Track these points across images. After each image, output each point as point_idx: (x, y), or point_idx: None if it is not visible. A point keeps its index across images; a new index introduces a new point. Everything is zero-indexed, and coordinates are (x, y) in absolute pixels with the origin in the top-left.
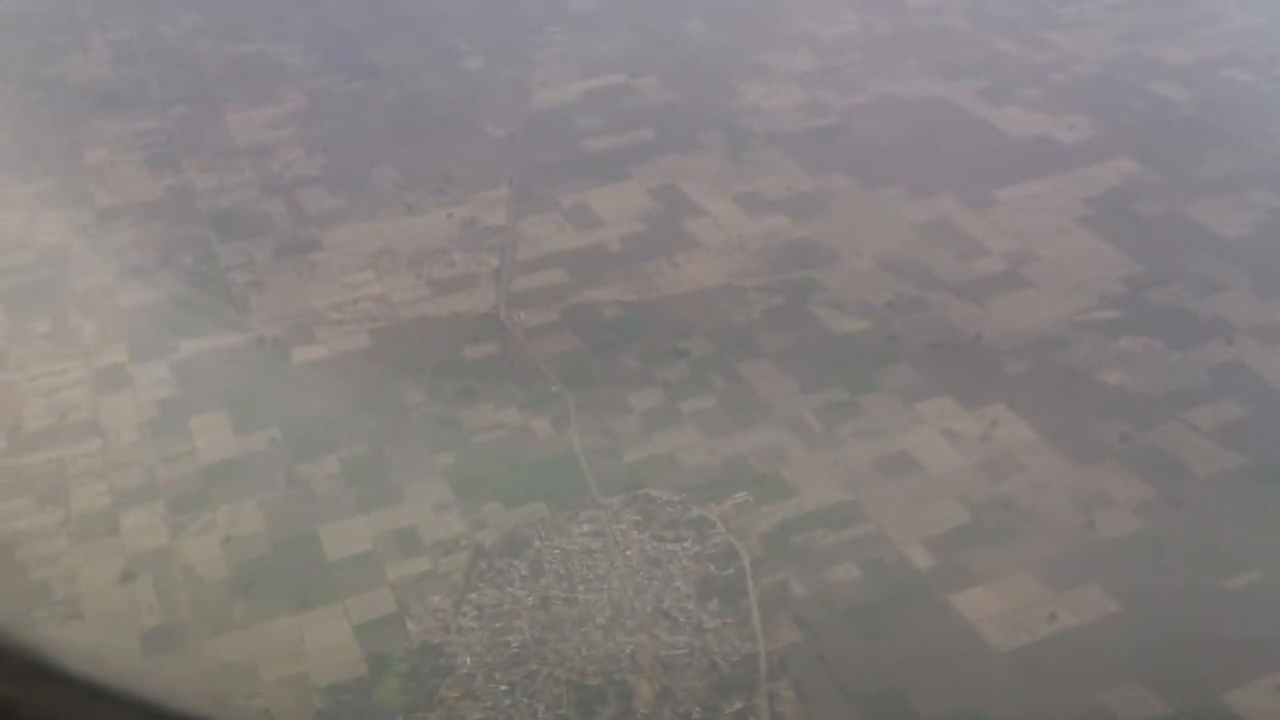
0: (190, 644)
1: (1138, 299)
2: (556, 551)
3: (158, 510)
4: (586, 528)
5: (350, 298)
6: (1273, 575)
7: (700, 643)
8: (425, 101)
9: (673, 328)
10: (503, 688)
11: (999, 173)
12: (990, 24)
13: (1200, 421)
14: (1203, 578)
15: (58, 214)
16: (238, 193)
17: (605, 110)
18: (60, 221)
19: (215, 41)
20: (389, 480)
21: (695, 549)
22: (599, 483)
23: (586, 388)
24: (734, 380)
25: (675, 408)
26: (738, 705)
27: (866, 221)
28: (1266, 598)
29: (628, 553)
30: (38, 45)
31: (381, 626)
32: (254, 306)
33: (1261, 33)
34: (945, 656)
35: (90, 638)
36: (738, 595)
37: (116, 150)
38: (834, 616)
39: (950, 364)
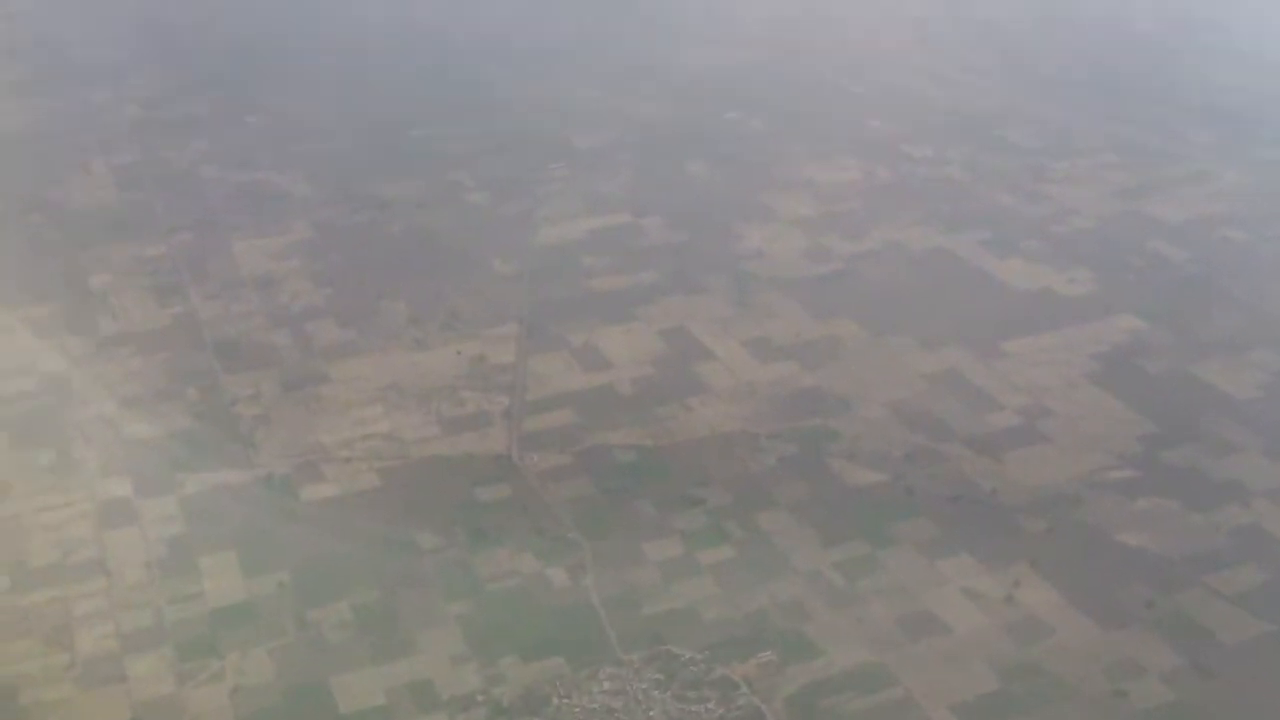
0: None
1: (1152, 459)
2: (577, 710)
3: (165, 656)
4: (607, 685)
5: (359, 434)
6: None
7: None
8: (432, 235)
9: (688, 474)
10: None
11: (1005, 325)
12: (988, 176)
13: (1223, 586)
14: None
15: (61, 341)
16: (244, 322)
17: (611, 249)
18: (63, 348)
19: (221, 169)
20: (402, 628)
21: (719, 711)
22: (618, 636)
23: (602, 535)
24: (752, 531)
25: (694, 558)
26: None
27: (876, 370)
28: None
29: (650, 714)
30: (41, 168)
31: None
32: (261, 441)
33: (1252, 192)
34: None
35: None
36: None
37: (121, 276)
38: None
39: (968, 519)
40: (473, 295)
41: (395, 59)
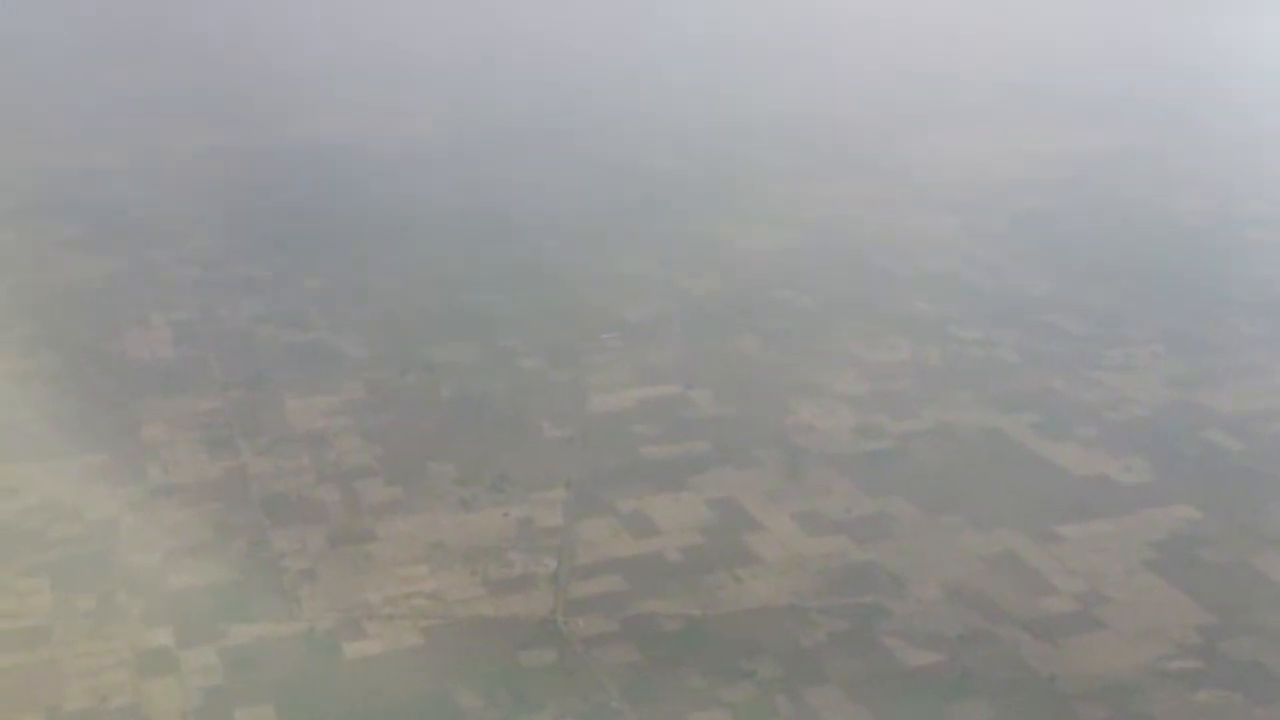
0: None
1: (1212, 650)
2: None
3: None
4: None
5: (404, 592)
6: None
7: None
8: (482, 399)
9: (736, 645)
10: None
11: (1060, 509)
12: (1040, 360)
13: None
14: None
15: (110, 488)
16: (293, 478)
17: (661, 419)
18: (112, 496)
19: (275, 328)
20: None
21: None
22: None
23: (648, 704)
24: (802, 706)
25: None
26: None
27: (930, 549)
28: None
29: None
30: (99, 321)
31: None
32: (305, 596)
33: None
34: None
35: None
36: None
37: (173, 428)
38: None
39: (1026, 705)
40: (522, 459)
41: (452, 227)
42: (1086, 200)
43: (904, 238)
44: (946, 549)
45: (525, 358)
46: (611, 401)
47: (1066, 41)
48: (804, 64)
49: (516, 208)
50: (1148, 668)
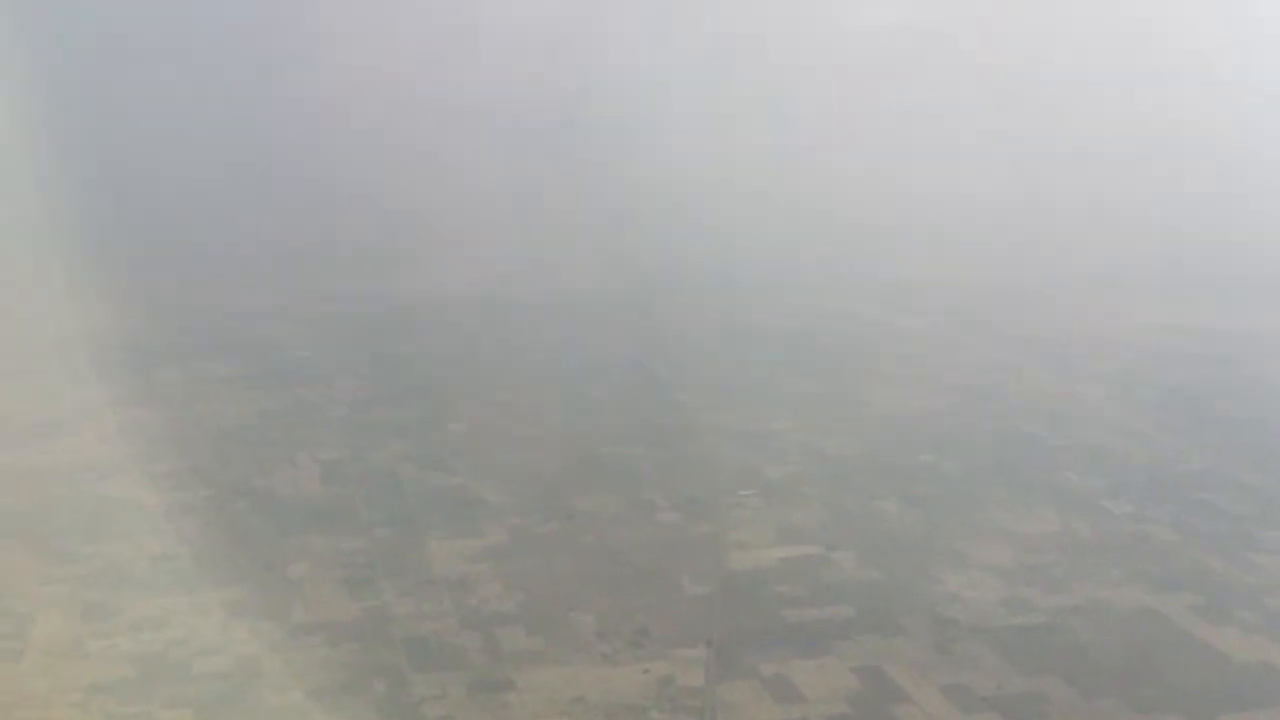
0: None
1: None
2: None
3: None
4: None
5: None
6: None
7: None
8: (622, 551)
9: None
10: None
11: (1223, 697)
12: (1195, 538)
13: None
14: None
15: (254, 624)
16: (435, 622)
17: (803, 580)
18: (256, 632)
19: (420, 471)
20: None
21: None
22: None
23: None
24: None
25: None
26: None
27: None
28: None
29: None
30: (251, 457)
31: None
32: None
33: None
34: None
35: None
36: None
37: (318, 567)
38: None
39: None
40: (662, 614)
41: (593, 379)
42: (1242, 378)
43: (1051, 406)
44: None
45: (665, 511)
46: (752, 559)
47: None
48: (958, 230)
49: (657, 362)
50: None
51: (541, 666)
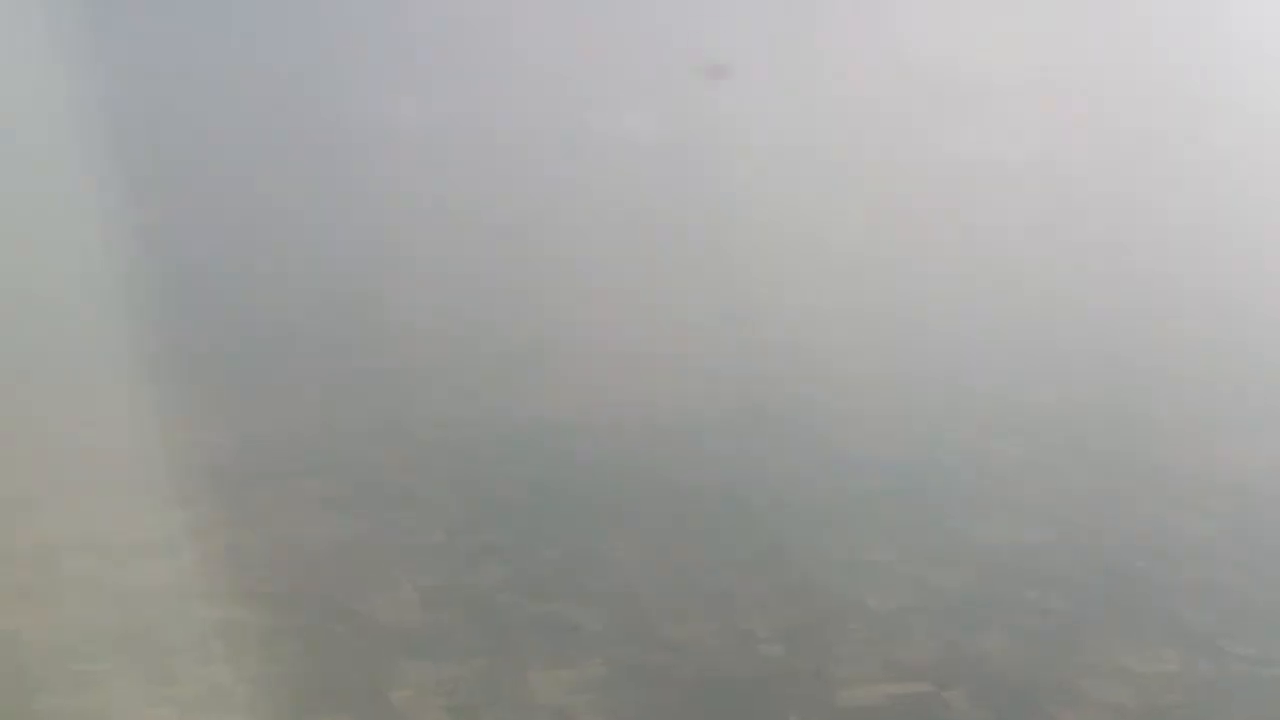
0: None
1: None
2: None
3: None
4: None
5: None
6: None
7: None
8: (725, 683)
9: None
10: None
11: None
12: None
13: None
14: None
15: None
16: None
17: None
18: None
19: (518, 597)
20: None
21: None
22: None
23: None
24: None
25: None
26: None
27: None
28: None
29: None
30: (350, 581)
31: None
32: None
33: None
34: None
35: None
36: None
37: (419, 694)
38: None
39: None
40: None
41: (691, 504)
42: None
43: (1161, 540)
44: None
45: (767, 642)
46: (860, 696)
47: None
48: (1057, 342)
49: (756, 488)
50: None
51: None
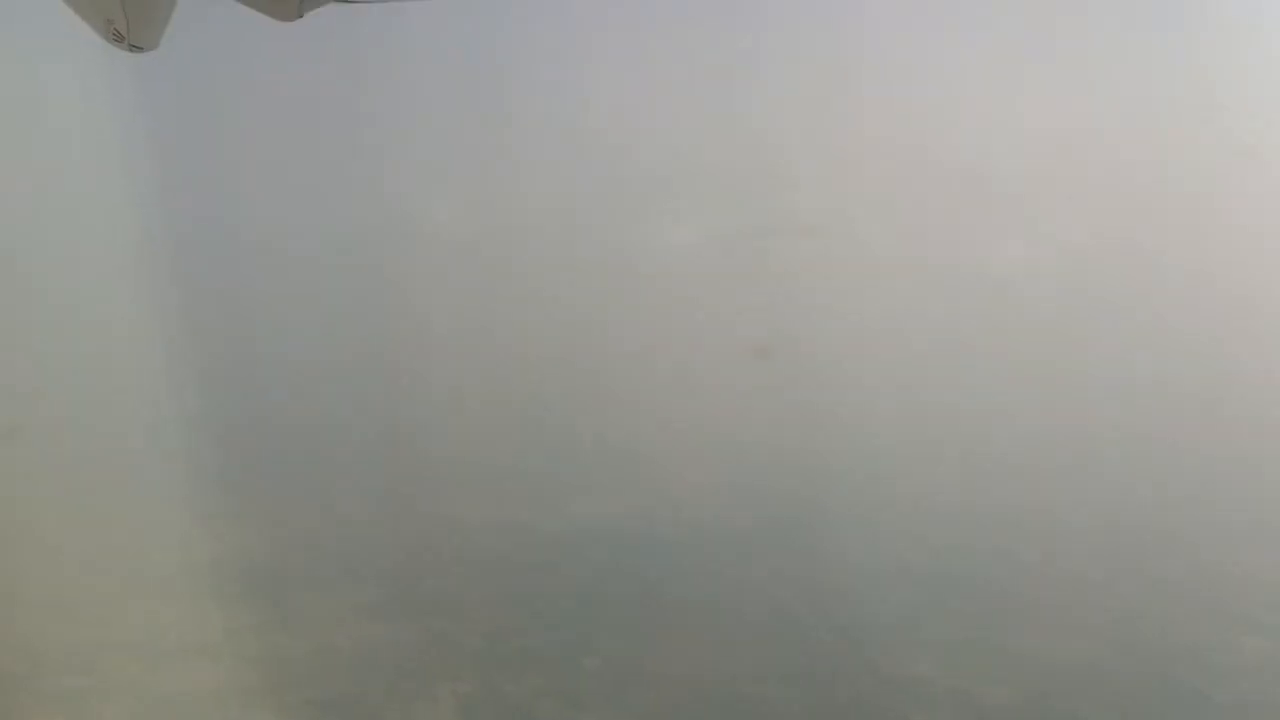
0: None
1: None
2: None
3: None
4: None
5: None
6: None
7: None
8: None
9: None
10: None
11: None
12: None
13: None
14: None
15: None
16: None
17: None
18: None
19: (557, 706)
20: None
21: None
22: None
23: None
24: None
25: None
26: None
27: None
28: None
29: None
30: (389, 689)
31: None
32: None
33: None
34: None
35: None
36: None
37: None
38: None
39: None
40: None
41: (735, 618)
42: None
43: (1212, 657)
44: None
45: None
46: None
47: None
48: (1107, 463)
49: (800, 603)
50: None
51: None
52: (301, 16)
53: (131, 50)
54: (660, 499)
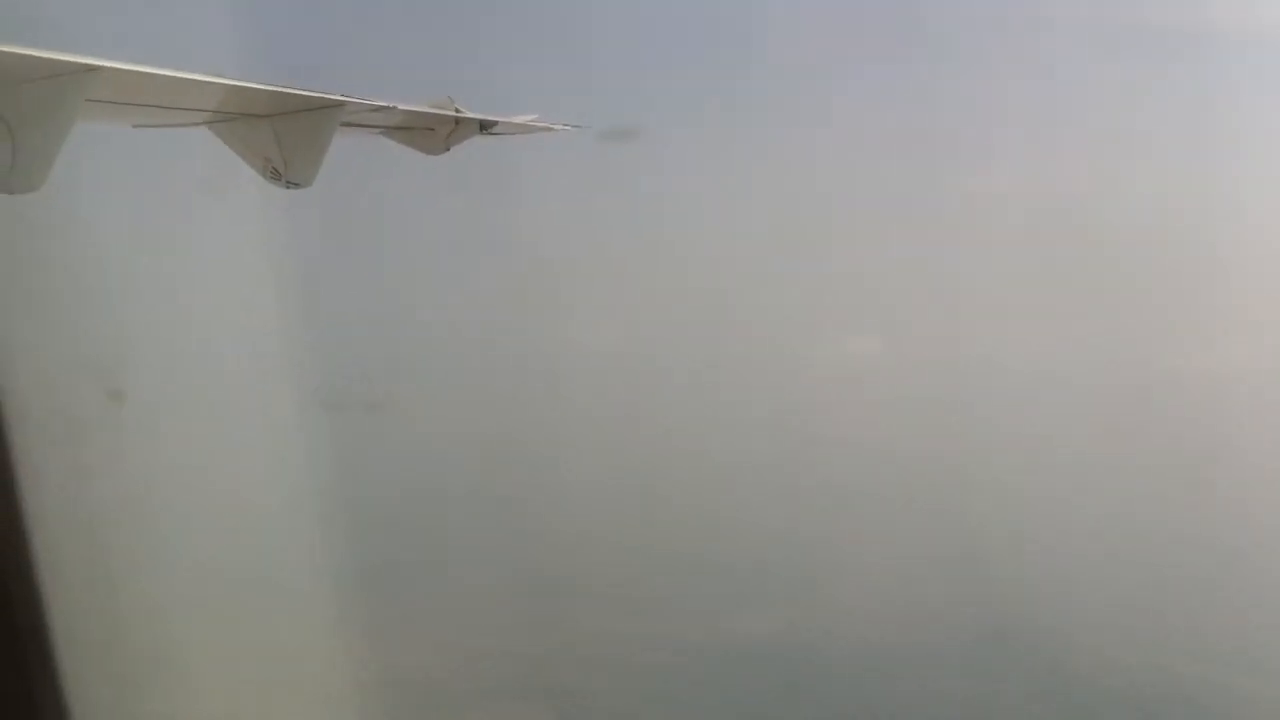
0: None
1: None
2: None
3: None
4: None
5: None
6: None
7: None
8: None
9: None
10: None
11: None
12: None
13: None
14: None
15: None
16: None
17: None
18: None
19: None
20: None
21: None
22: None
23: None
24: None
25: None
26: None
27: None
28: None
29: None
30: None
31: None
32: None
33: None
34: None
35: None
36: None
37: None
38: None
39: None
40: None
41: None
42: None
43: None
44: None
45: None
46: None
47: None
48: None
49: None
50: None
51: None
52: (449, 150)
53: (288, 187)
54: (807, 608)
